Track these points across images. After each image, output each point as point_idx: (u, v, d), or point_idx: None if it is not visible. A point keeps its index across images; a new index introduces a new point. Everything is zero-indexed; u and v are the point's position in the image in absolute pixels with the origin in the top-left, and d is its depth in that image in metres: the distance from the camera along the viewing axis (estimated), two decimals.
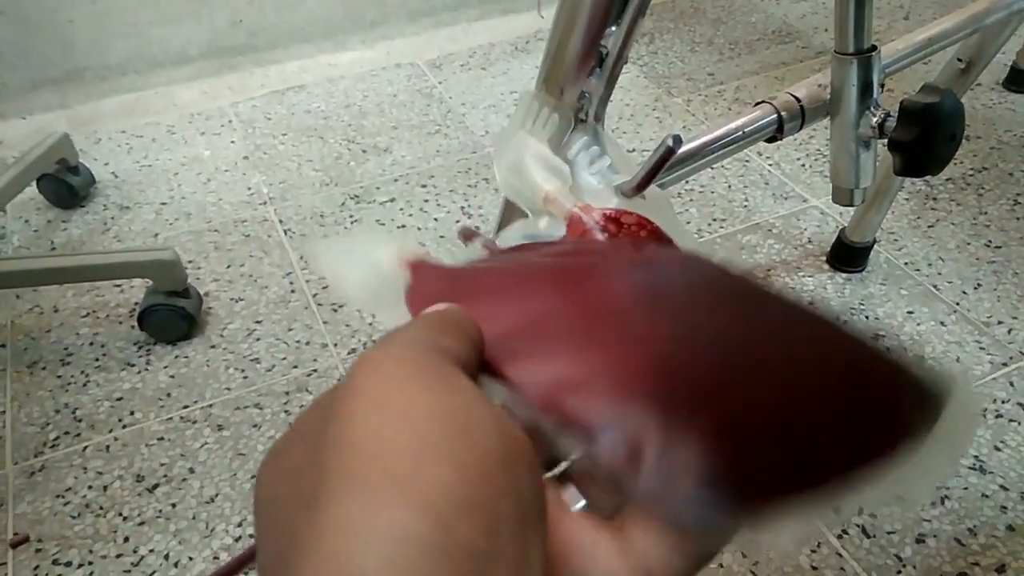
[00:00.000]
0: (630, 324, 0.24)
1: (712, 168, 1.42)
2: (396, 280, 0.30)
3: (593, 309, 0.25)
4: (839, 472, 0.21)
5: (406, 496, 0.17)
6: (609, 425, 0.21)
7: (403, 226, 1.31)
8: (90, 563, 0.88)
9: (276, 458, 0.21)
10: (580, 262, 0.28)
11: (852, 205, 0.75)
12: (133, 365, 1.09)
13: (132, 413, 1.03)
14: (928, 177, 1.38)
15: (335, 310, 1.16)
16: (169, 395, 1.05)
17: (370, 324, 1.14)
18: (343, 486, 0.17)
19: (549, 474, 0.22)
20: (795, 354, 0.24)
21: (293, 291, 1.20)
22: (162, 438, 1.00)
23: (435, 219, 1.33)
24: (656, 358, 0.23)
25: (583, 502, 0.22)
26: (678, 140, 0.36)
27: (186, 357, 1.10)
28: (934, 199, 1.34)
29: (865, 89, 0.66)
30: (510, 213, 0.55)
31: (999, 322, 1.12)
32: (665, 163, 0.36)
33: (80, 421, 1.02)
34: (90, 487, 0.95)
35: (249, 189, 1.41)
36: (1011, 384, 1.03)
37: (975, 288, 1.17)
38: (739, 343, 0.23)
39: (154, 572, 0.87)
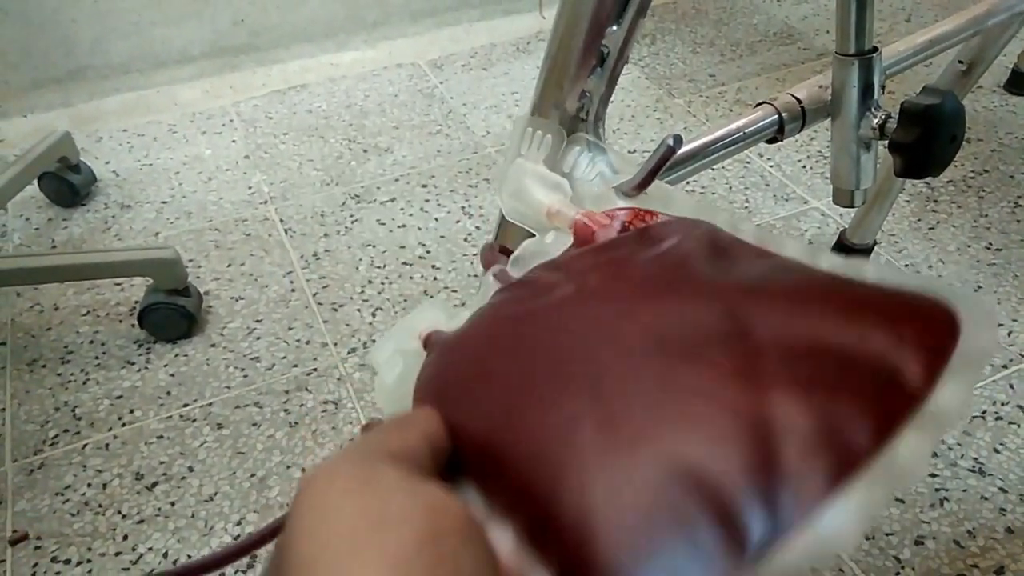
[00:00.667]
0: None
1: (713, 169, 1.42)
2: (417, 364, 0.31)
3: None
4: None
5: None
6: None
7: (403, 226, 1.31)
8: (89, 561, 0.88)
9: None
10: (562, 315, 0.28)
11: (853, 206, 0.75)
12: (133, 363, 1.09)
13: (132, 411, 1.03)
14: (929, 179, 1.38)
15: (335, 309, 1.17)
16: (169, 393, 1.05)
17: (370, 324, 1.14)
18: None
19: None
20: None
21: (293, 290, 1.20)
22: (161, 436, 1.00)
23: (435, 219, 1.33)
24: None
25: None
26: (679, 140, 0.37)
27: (186, 356, 1.10)
28: (935, 201, 1.34)
29: (866, 90, 0.66)
30: (508, 230, 0.55)
31: (999, 324, 1.12)
32: (665, 163, 0.36)
33: (80, 419, 1.02)
34: (89, 485, 0.95)
35: (250, 188, 1.41)
36: (1011, 387, 1.03)
37: (975, 290, 1.17)
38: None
39: (153, 570, 0.87)
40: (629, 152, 1.49)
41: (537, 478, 0.22)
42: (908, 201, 1.34)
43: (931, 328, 0.22)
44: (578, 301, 0.27)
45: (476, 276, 1.22)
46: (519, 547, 0.22)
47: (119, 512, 0.92)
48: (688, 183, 1.39)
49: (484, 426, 0.24)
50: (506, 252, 0.35)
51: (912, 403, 0.21)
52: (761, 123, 0.66)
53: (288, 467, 0.96)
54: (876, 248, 1.21)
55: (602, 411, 0.22)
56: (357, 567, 0.18)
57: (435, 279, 1.21)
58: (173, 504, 0.93)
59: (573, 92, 0.47)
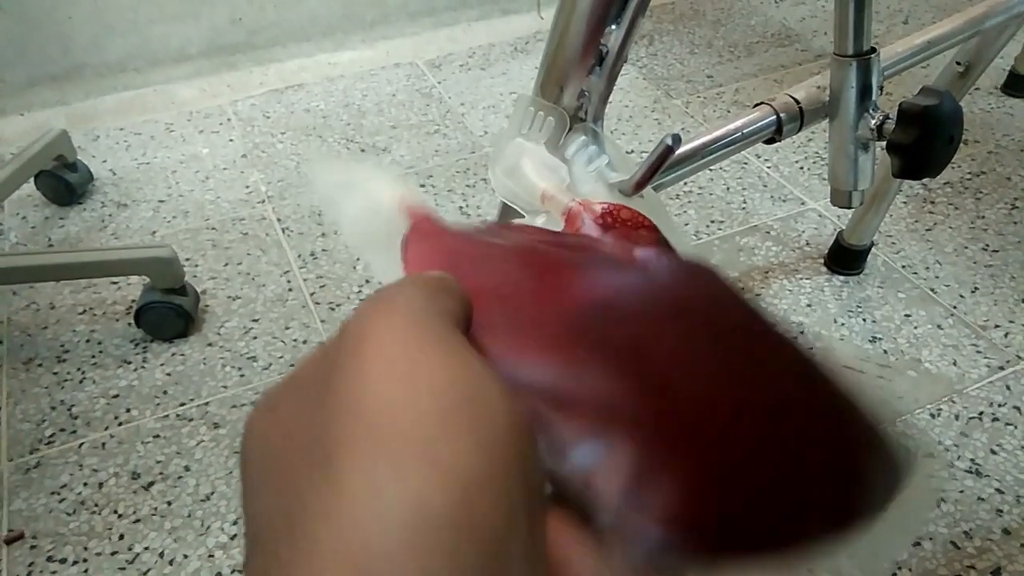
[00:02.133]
0: (621, 336, 0.23)
1: (711, 170, 1.42)
2: (394, 224, 0.29)
3: (586, 310, 0.23)
4: (811, 534, 0.20)
5: (428, 467, 0.16)
6: (584, 445, 0.20)
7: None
8: (85, 560, 0.87)
9: (272, 410, 0.20)
10: (580, 255, 0.27)
11: (850, 207, 0.75)
12: (129, 362, 1.09)
13: (128, 410, 1.03)
14: (926, 180, 1.39)
15: (332, 309, 1.16)
16: (165, 392, 1.05)
17: None
18: (359, 449, 0.17)
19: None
20: (778, 397, 0.22)
21: (290, 290, 1.20)
22: (158, 436, 1.00)
23: None
24: (642, 380, 0.21)
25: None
26: (677, 139, 0.37)
27: (183, 355, 1.10)
28: (932, 203, 1.34)
29: (864, 91, 0.66)
30: (506, 217, 0.55)
31: (996, 326, 1.12)
32: (664, 162, 0.36)
33: (76, 418, 1.02)
34: (85, 484, 0.95)
35: (247, 187, 1.41)
36: (1007, 388, 1.03)
37: (972, 292, 1.17)
38: (726, 377, 0.22)
39: (149, 570, 0.87)
40: (627, 153, 1.49)
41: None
42: (905, 202, 1.34)
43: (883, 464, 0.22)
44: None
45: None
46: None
47: (115, 511, 0.92)
48: (686, 183, 1.39)
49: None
50: None
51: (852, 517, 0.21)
52: (759, 124, 0.66)
53: None
54: (873, 249, 1.21)
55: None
56: (451, 446, 0.17)
57: None
58: (170, 503, 0.92)
59: (572, 91, 0.47)
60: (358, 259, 1.25)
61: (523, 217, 0.36)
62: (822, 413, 0.23)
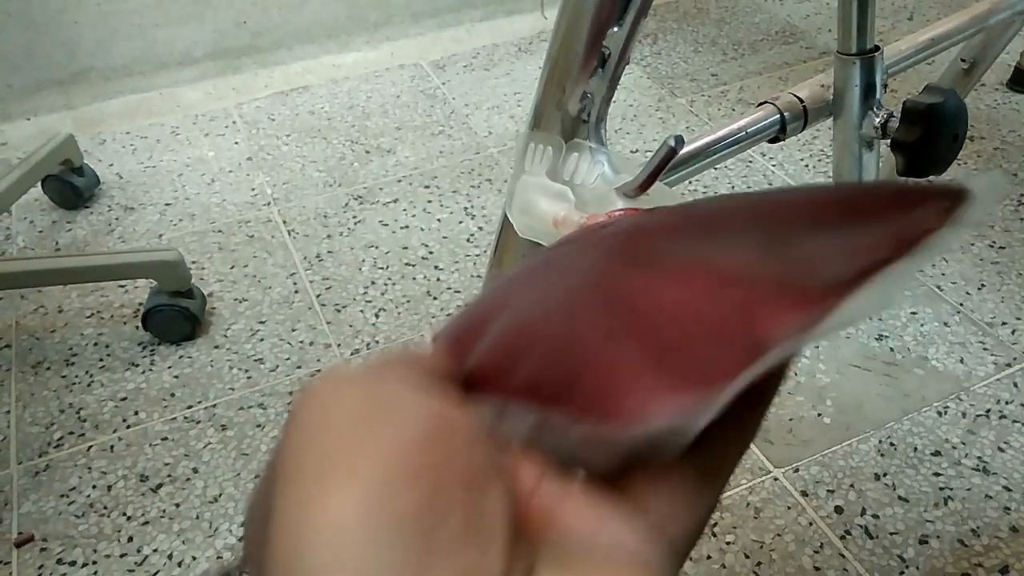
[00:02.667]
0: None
1: (715, 169, 1.42)
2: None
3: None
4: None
5: (342, 477, 0.17)
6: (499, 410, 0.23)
7: (406, 227, 1.31)
8: (94, 562, 0.88)
9: (255, 490, 0.22)
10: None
11: None
12: (137, 365, 1.10)
13: (136, 413, 1.03)
14: (931, 177, 1.38)
15: (338, 310, 1.17)
16: (173, 395, 1.05)
17: (373, 325, 1.14)
18: (288, 484, 0.18)
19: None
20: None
21: (296, 292, 1.20)
22: (166, 438, 1.00)
23: (438, 220, 1.33)
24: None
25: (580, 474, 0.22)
26: (680, 140, 0.37)
27: (190, 357, 1.10)
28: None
29: (868, 89, 0.66)
30: (508, 231, 0.55)
31: (1003, 323, 1.11)
32: (667, 163, 0.36)
33: (84, 421, 1.03)
34: (94, 487, 0.95)
35: (253, 190, 1.41)
36: (1015, 385, 1.03)
37: (979, 289, 1.17)
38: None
39: (158, 572, 0.87)
40: (631, 152, 1.49)
41: (555, 359, 0.23)
42: None
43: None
44: (588, 251, 0.28)
45: (479, 277, 1.22)
46: (532, 434, 0.22)
47: (124, 514, 0.92)
48: (690, 183, 1.39)
49: (494, 343, 0.25)
50: None
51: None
52: (763, 122, 0.66)
53: None
54: None
55: (613, 311, 0.23)
56: (351, 458, 0.18)
57: (438, 280, 1.21)
58: (178, 506, 0.93)
59: (575, 93, 0.47)
60: (363, 261, 1.25)
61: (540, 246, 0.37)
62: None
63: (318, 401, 0.20)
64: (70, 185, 1.35)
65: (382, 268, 1.24)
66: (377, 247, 1.28)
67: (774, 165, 1.43)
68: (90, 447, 1.00)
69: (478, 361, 0.25)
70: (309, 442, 0.19)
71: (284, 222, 1.34)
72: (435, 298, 1.18)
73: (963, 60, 0.97)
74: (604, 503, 0.21)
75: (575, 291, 0.25)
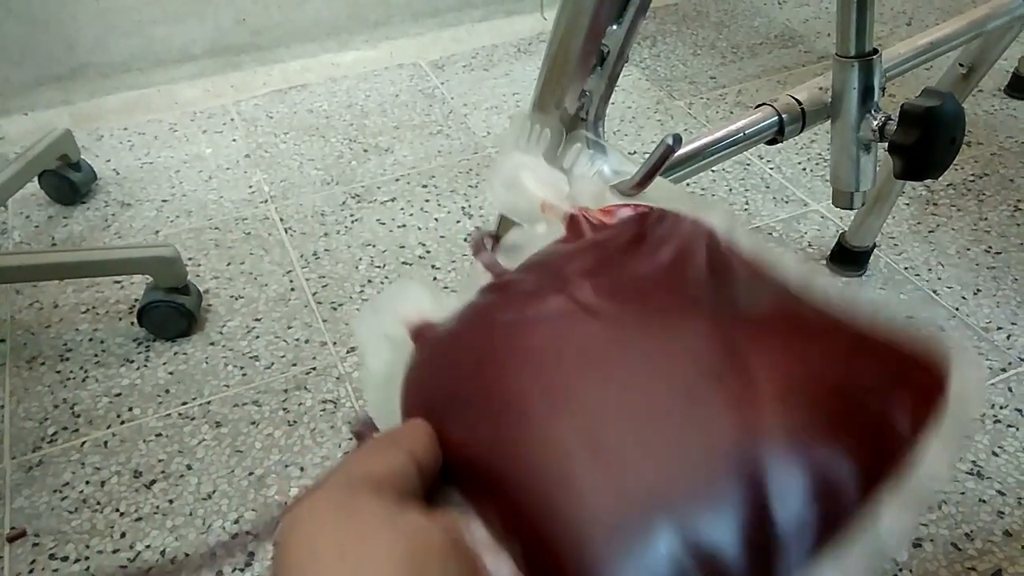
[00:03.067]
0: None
1: (713, 171, 1.42)
2: (405, 356, 0.30)
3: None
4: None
5: None
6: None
7: (403, 226, 1.31)
8: (87, 558, 0.88)
9: None
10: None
11: (852, 208, 0.75)
12: (132, 361, 1.09)
13: (130, 409, 1.03)
14: (928, 182, 1.38)
15: (334, 308, 1.17)
16: (168, 391, 1.05)
17: None
18: None
19: None
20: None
21: (293, 289, 1.20)
22: (160, 434, 1.00)
23: (436, 219, 1.33)
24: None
25: None
26: (678, 139, 0.37)
27: (185, 354, 1.10)
28: (934, 204, 1.34)
29: (866, 92, 0.66)
30: (507, 226, 0.55)
31: (998, 328, 1.12)
32: (665, 162, 0.36)
33: (78, 417, 1.02)
34: (88, 482, 0.95)
35: (250, 187, 1.41)
36: (1009, 390, 1.03)
37: (975, 294, 1.17)
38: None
39: (151, 568, 0.87)
40: (629, 154, 1.49)
41: (532, 504, 0.22)
42: (908, 204, 1.34)
43: (923, 378, 0.23)
44: (574, 319, 0.27)
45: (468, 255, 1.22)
46: (516, 572, 0.22)
47: (117, 510, 0.92)
48: (688, 184, 1.39)
49: (477, 446, 0.25)
50: (496, 240, 0.35)
51: (900, 450, 0.21)
52: (761, 124, 0.67)
53: (287, 466, 0.96)
54: (876, 251, 1.21)
55: (598, 442, 0.22)
56: None
57: (435, 279, 1.21)
58: (171, 502, 0.93)
59: (573, 91, 0.47)
60: (360, 259, 1.25)
61: (521, 227, 0.36)
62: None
63: (298, 549, 0.21)
64: (67, 180, 1.35)
65: (379, 267, 1.24)
66: (374, 246, 1.28)
67: (772, 168, 1.43)
68: (84, 443, 0.99)
69: (456, 450, 0.25)
70: None
71: (281, 220, 1.34)
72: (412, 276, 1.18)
73: (961, 65, 0.98)
74: None
75: (561, 388, 0.24)
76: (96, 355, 1.10)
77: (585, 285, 0.28)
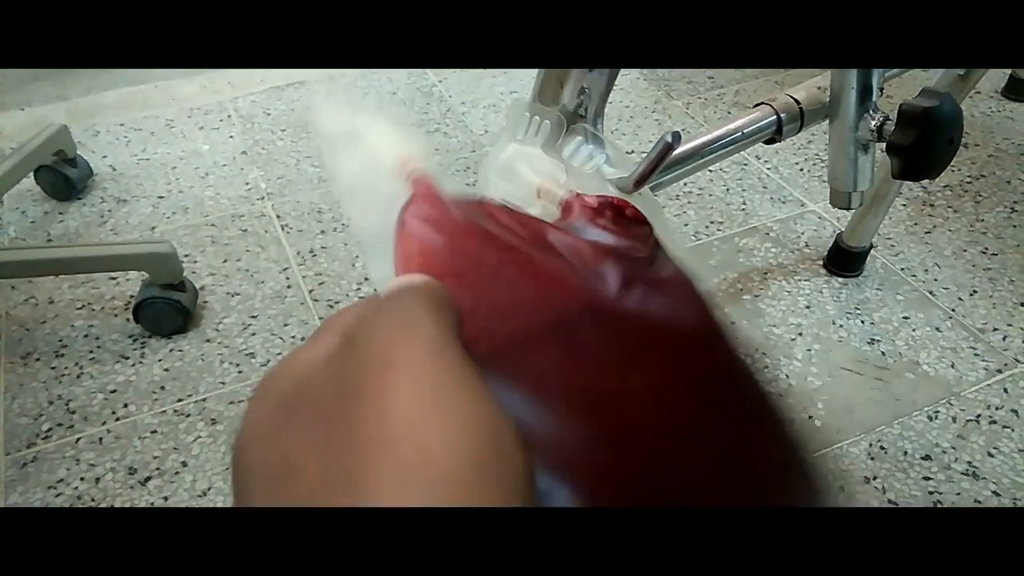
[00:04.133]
0: (584, 371, 0.25)
1: (710, 171, 1.42)
2: (393, 187, 0.29)
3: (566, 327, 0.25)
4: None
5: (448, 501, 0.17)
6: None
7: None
8: None
9: (282, 419, 0.20)
10: (562, 264, 0.28)
11: (849, 208, 0.75)
12: (127, 358, 1.09)
13: (126, 406, 1.03)
14: (926, 183, 1.39)
15: (331, 306, 1.16)
16: (163, 388, 1.05)
17: None
18: (391, 482, 0.17)
19: None
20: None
21: (289, 287, 1.20)
22: (155, 431, 1.00)
23: None
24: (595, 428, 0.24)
25: None
26: (677, 136, 0.37)
27: (180, 350, 1.10)
28: (931, 205, 1.34)
29: (864, 92, 0.66)
30: None
31: (994, 329, 1.12)
32: (664, 159, 0.36)
33: (73, 413, 1.02)
34: (82, 479, 0.95)
35: (247, 184, 1.41)
36: (1005, 391, 1.03)
37: (971, 295, 1.17)
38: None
39: None
40: (627, 153, 1.49)
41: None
42: (905, 205, 1.34)
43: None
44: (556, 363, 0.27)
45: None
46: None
47: (112, 506, 0.92)
48: (686, 184, 1.39)
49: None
50: None
51: None
52: (759, 123, 0.67)
53: None
54: (872, 251, 1.21)
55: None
56: (480, 488, 0.17)
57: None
58: (166, 499, 0.92)
59: (572, 88, 0.47)
60: (357, 256, 1.25)
61: None
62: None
63: (422, 396, 0.19)
64: (63, 176, 1.35)
65: None
66: None
67: (769, 168, 1.43)
68: (79, 439, 0.99)
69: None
70: (417, 443, 0.18)
71: (278, 217, 1.33)
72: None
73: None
74: None
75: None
76: (91, 351, 1.10)
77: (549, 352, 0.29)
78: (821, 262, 1.23)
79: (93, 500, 0.92)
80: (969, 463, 0.95)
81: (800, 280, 1.20)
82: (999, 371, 1.06)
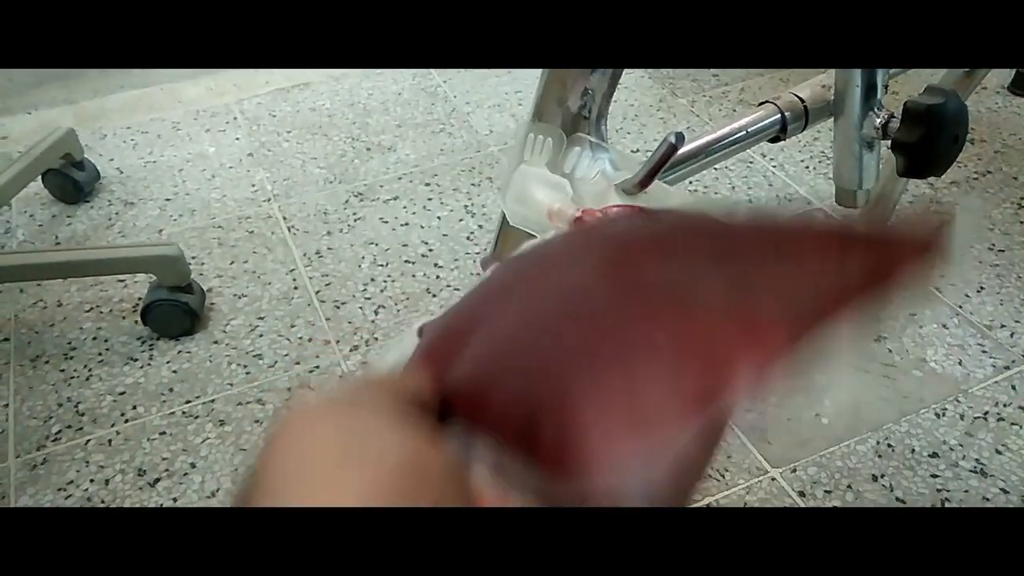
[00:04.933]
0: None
1: (716, 169, 1.42)
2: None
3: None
4: None
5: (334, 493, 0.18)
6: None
7: (406, 224, 1.32)
8: None
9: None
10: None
11: (855, 207, 0.75)
12: (136, 360, 1.10)
13: (134, 407, 1.03)
14: (931, 179, 1.38)
15: (337, 307, 1.17)
16: (171, 390, 1.05)
17: (372, 322, 1.14)
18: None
19: None
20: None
21: (296, 288, 1.20)
22: (164, 433, 1.00)
23: (438, 217, 1.33)
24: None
25: None
26: (680, 137, 0.37)
27: (188, 352, 1.10)
28: (937, 202, 1.34)
29: (869, 90, 0.66)
30: (506, 239, 0.55)
31: (1002, 325, 1.11)
32: (667, 160, 0.36)
33: (82, 415, 1.03)
34: (92, 481, 0.95)
35: (253, 186, 1.41)
36: (1013, 388, 1.03)
37: (978, 291, 1.17)
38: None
39: None
40: (632, 152, 1.49)
41: (523, 393, 0.24)
42: (911, 202, 1.34)
43: None
44: (561, 263, 0.28)
45: (478, 275, 1.22)
46: (497, 473, 0.22)
47: (121, 507, 0.92)
48: (691, 182, 1.39)
49: (471, 366, 0.25)
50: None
51: None
52: (764, 122, 0.67)
53: None
54: None
55: (582, 345, 0.24)
56: (328, 492, 0.18)
57: (438, 277, 1.21)
58: (175, 500, 0.93)
59: (576, 89, 0.47)
60: (363, 258, 1.25)
61: (534, 238, 0.37)
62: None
63: (293, 437, 0.20)
64: (70, 179, 1.35)
65: (382, 265, 1.24)
66: (377, 244, 1.28)
67: (775, 166, 1.43)
68: (88, 441, 0.99)
69: (455, 383, 0.25)
70: (285, 481, 0.19)
71: (284, 218, 1.34)
72: (434, 296, 1.18)
73: None
74: None
75: (553, 313, 0.25)
76: (100, 354, 1.11)
77: (577, 242, 0.30)
78: None
79: (103, 502, 0.93)
80: (977, 460, 0.95)
81: None
82: (1007, 368, 1.06)
